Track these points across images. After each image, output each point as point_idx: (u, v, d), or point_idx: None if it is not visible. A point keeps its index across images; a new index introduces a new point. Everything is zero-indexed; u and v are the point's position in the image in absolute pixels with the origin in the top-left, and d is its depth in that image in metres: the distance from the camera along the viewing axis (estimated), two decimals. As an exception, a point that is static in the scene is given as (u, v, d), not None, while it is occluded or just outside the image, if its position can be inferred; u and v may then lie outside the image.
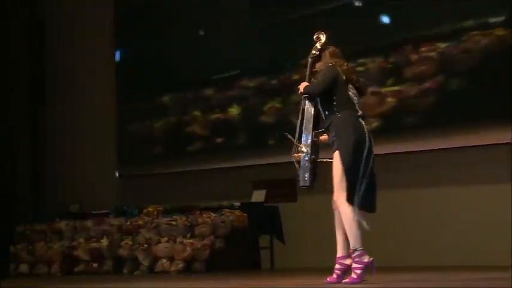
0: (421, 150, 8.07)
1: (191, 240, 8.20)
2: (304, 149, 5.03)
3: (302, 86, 5.21)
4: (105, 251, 8.74)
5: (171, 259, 8.23)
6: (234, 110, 9.74)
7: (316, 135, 5.09)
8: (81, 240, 9.04)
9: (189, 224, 8.39)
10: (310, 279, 5.92)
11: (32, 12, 11.55)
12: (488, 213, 7.59)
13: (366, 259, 4.93)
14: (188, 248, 8.12)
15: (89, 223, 9.18)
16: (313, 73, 5.24)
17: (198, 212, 8.59)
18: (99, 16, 11.16)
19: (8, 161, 11.03)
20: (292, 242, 8.75)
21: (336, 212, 5.12)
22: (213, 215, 8.43)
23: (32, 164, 11.33)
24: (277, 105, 9.34)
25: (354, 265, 4.96)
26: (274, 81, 9.41)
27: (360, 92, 5.20)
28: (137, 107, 10.73)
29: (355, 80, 5.16)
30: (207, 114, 10.01)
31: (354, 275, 4.94)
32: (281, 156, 9.19)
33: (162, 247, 8.28)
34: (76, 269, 8.89)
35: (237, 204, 8.67)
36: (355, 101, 5.11)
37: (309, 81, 5.22)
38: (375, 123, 8.14)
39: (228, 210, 8.51)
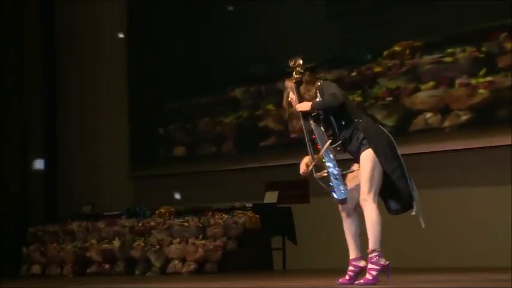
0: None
1: (203, 242, 8.18)
2: (330, 164, 4.94)
3: (304, 106, 5.08)
4: (117, 252, 8.74)
5: (183, 260, 8.21)
6: None
7: (335, 150, 5.01)
8: (94, 241, 9.05)
9: (201, 225, 8.37)
10: (322, 280, 5.88)
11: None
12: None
13: (383, 261, 4.88)
14: (200, 249, 8.10)
15: (101, 224, 9.18)
16: (300, 96, 5.17)
17: (210, 213, 8.57)
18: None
19: (20, 162, 11.05)
20: (304, 243, 8.72)
21: (344, 215, 5.08)
22: (225, 216, 8.41)
23: (46, 166, 11.35)
24: (358, 98, 8.76)
25: (370, 266, 4.90)
26: (354, 74, 8.86)
27: None
28: (152, 108, 10.61)
29: None
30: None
31: (369, 276, 4.88)
32: (293, 157, 9.24)
33: (174, 248, 8.26)
34: (88, 270, 8.89)
35: (249, 205, 8.65)
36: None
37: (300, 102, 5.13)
38: (464, 117, 7.89)
39: (240, 211, 8.48)
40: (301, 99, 5.15)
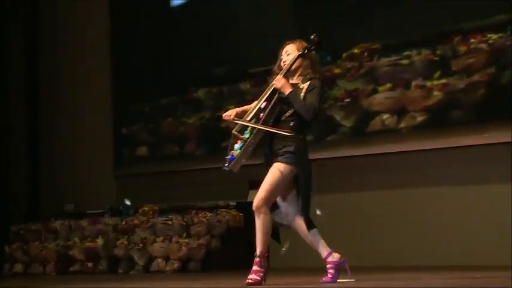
0: (470, 145, 7.68)
1: (187, 240, 8.18)
2: (253, 140, 5.05)
3: (284, 86, 5.07)
4: (101, 251, 8.72)
5: (167, 259, 8.21)
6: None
7: (271, 132, 5.05)
8: (76, 239, 9.02)
9: (184, 223, 8.37)
10: (306, 278, 5.90)
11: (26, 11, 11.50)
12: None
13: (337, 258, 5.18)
14: (184, 248, 8.10)
15: (84, 223, 9.16)
16: (290, 67, 5.14)
17: (194, 211, 8.58)
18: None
19: (4, 160, 10.99)
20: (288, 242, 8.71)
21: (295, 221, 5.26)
22: (209, 214, 8.41)
23: (27, 164, 11.29)
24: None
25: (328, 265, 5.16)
26: None
27: None
28: (134, 108, 10.62)
29: None
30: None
31: (257, 277, 5.15)
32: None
33: (158, 247, 8.25)
34: (71, 269, 8.87)
35: (233, 203, 8.65)
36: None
37: (285, 77, 5.13)
38: (419, 118, 7.94)
39: (224, 209, 8.49)
40: (287, 71, 5.12)
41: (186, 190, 9.73)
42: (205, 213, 8.45)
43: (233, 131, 5.11)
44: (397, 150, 8.11)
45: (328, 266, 5.19)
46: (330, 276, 5.14)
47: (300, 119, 5.03)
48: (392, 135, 8.16)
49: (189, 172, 9.87)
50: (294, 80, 5.16)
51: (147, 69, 10.45)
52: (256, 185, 9.09)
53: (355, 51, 8.43)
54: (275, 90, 5.11)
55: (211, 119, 9.60)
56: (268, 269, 5.25)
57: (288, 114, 5.05)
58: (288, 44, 5.25)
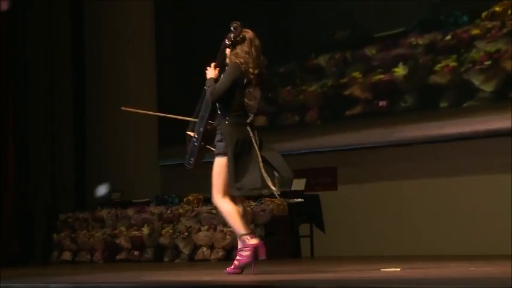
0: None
1: (231, 229, 8.20)
2: (196, 134, 5.33)
3: (209, 73, 5.32)
4: (146, 239, 8.82)
5: (212, 247, 8.26)
6: (400, 71, 8.76)
7: (209, 124, 5.31)
8: (123, 228, 9.13)
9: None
10: (350, 267, 5.88)
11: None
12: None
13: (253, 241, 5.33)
14: (228, 237, 8.14)
15: (130, 211, 9.26)
16: (224, 58, 5.33)
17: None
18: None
19: (51, 151, 11.16)
20: (332, 231, 8.72)
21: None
22: (253, 203, 8.43)
23: (75, 153, 11.45)
24: (453, 63, 8.31)
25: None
26: (448, 37, 8.35)
27: (265, 90, 5.39)
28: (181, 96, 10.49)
29: (257, 81, 5.28)
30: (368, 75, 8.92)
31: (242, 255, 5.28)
32: (323, 143, 9.17)
33: (203, 235, 8.31)
34: (118, 257, 8.98)
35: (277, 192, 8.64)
36: (250, 106, 5.25)
37: (218, 66, 5.34)
38: None
39: (268, 198, 8.50)
40: (223, 60, 5.33)
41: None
42: (249, 202, 8.47)
43: (186, 132, 5.47)
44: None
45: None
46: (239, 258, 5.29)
47: (223, 105, 5.24)
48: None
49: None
50: None
51: (262, 35, 10.05)
52: (300, 174, 9.18)
53: (497, 9, 8.01)
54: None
55: (334, 87, 9.19)
56: (258, 245, 5.35)
57: (218, 105, 5.29)
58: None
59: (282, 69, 9.65)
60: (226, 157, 5.21)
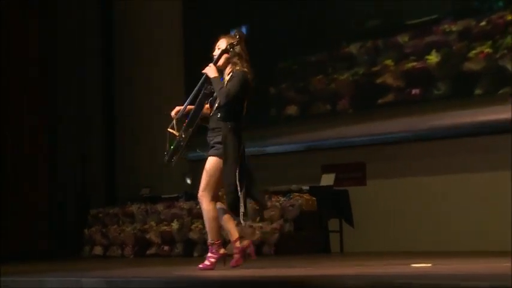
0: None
1: (260, 224, 8.23)
2: (183, 135, 5.46)
3: (211, 72, 5.39)
4: (176, 234, 8.87)
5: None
6: (433, 58, 8.60)
7: (196, 126, 5.46)
8: (153, 223, 9.19)
9: (258, 207, 8.42)
10: (380, 263, 5.86)
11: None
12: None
13: (221, 251, 5.52)
14: (257, 232, 8.16)
15: (160, 207, 9.32)
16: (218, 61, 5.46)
17: (267, 195, 8.61)
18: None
19: (82, 146, 11.26)
20: (361, 226, 8.70)
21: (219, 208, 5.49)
22: (282, 198, 8.44)
23: (105, 150, 11.55)
24: (487, 49, 8.18)
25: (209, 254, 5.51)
26: (483, 23, 8.18)
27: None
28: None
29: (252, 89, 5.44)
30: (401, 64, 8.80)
31: (207, 262, 5.47)
32: (355, 132, 9.10)
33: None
34: (148, 252, 9.04)
35: (306, 188, 8.66)
36: (243, 115, 5.42)
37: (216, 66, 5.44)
38: None
39: (297, 194, 8.50)
40: (215, 63, 5.44)
41: (259, 174, 9.77)
42: (278, 198, 8.49)
43: (168, 129, 5.58)
44: None
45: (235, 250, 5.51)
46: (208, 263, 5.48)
47: (227, 110, 5.34)
48: None
49: (263, 156, 9.92)
50: (225, 77, 5.46)
51: (292, 24, 9.80)
52: (328, 169, 9.15)
53: None
54: (200, 88, 5.45)
55: (366, 75, 9.07)
56: (225, 255, 5.59)
57: (215, 107, 5.40)
58: (221, 38, 5.54)
59: (313, 58, 9.63)
60: (220, 159, 5.34)
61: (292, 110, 9.89)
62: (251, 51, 5.58)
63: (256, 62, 9.65)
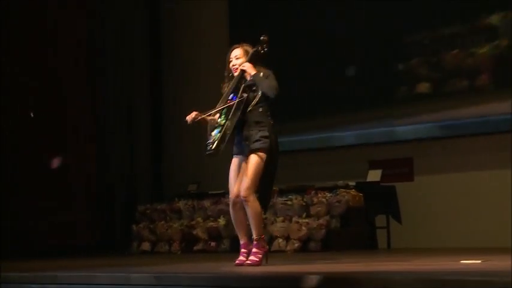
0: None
1: (307, 220, 8.22)
2: (229, 124, 5.43)
3: (250, 68, 5.44)
4: (223, 230, 8.91)
5: (287, 238, 8.29)
6: None
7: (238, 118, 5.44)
8: (200, 219, 9.24)
9: (304, 203, 8.41)
10: (428, 260, 5.81)
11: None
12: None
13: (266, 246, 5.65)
14: (304, 228, 8.15)
15: (207, 203, 9.37)
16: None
17: (314, 191, 8.60)
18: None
19: (129, 144, 11.38)
20: (409, 222, 8.62)
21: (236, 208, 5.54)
22: (329, 194, 8.42)
23: (152, 146, 11.65)
24: None
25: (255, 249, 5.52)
26: None
27: None
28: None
29: None
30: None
31: (256, 258, 5.50)
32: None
33: (278, 226, 8.34)
34: (195, 248, 9.10)
35: (352, 183, 8.62)
36: None
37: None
38: None
39: (343, 189, 8.47)
40: (250, 61, 5.47)
41: (305, 170, 9.77)
42: (324, 194, 8.46)
43: (210, 121, 5.59)
44: None
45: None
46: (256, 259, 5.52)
47: (268, 105, 5.44)
48: None
49: (308, 152, 9.91)
50: (247, 76, 5.52)
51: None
52: (375, 165, 9.10)
53: None
54: (240, 80, 5.49)
55: (510, 47, 8.42)
56: (267, 251, 5.70)
57: (254, 102, 5.43)
58: (236, 48, 5.63)
59: (447, 31, 9.00)
60: (265, 153, 5.39)
61: (423, 87, 9.22)
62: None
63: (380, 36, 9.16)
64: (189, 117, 5.73)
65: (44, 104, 10.66)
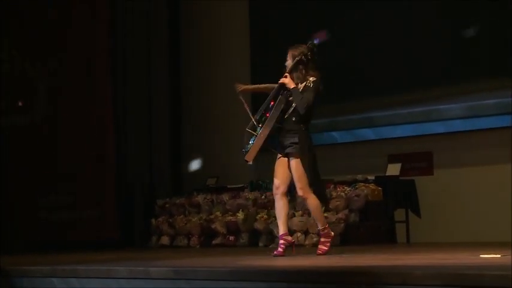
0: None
1: (326, 214, 8.20)
2: (262, 134, 6.02)
3: (289, 82, 5.97)
4: (241, 225, 8.92)
5: (306, 232, 8.28)
6: None
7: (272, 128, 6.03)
8: (218, 213, 9.26)
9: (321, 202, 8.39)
10: (448, 254, 5.78)
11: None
12: None
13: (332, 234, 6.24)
14: (323, 222, 8.13)
15: (225, 197, 9.38)
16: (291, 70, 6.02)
17: (333, 185, 8.58)
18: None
19: (148, 138, 11.41)
20: (428, 216, 8.59)
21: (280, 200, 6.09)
22: (348, 188, 8.40)
23: (171, 141, 11.68)
24: None
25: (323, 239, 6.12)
26: None
27: None
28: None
29: None
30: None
31: (324, 247, 6.08)
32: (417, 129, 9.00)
33: (297, 221, 8.34)
34: (214, 242, 9.12)
35: (372, 178, 8.59)
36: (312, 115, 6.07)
37: (290, 75, 6.01)
38: None
39: (362, 184, 8.44)
40: (290, 72, 6.00)
41: (324, 164, 9.72)
42: (343, 188, 8.45)
43: (246, 129, 6.15)
44: None
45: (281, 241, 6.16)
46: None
47: (301, 114, 5.94)
48: None
49: (327, 146, 9.88)
50: (297, 83, 6.04)
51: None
52: (395, 159, 9.06)
53: None
54: (279, 91, 6.01)
55: None
56: (293, 243, 6.35)
57: (290, 111, 5.97)
58: (289, 49, 6.11)
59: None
60: (297, 157, 5.93)
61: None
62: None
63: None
64: (240, 86, 6.33)
65: (66, 102, 10.74)
